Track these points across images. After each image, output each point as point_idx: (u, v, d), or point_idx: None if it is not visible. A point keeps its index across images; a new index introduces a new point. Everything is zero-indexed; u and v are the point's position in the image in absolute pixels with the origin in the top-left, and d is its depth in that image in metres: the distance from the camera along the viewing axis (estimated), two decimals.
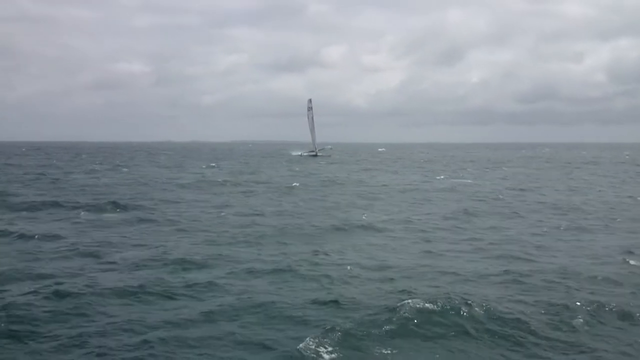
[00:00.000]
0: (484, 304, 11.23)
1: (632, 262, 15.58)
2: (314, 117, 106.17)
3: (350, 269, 14.82)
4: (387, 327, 10.26)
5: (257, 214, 25.31)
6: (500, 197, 33.46)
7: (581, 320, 10.84)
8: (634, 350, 9.73)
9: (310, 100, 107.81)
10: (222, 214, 25.47)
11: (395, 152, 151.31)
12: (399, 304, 11.11)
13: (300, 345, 9.39)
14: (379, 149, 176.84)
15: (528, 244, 18.52)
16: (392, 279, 13.88)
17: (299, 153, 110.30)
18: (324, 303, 11.82)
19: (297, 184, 40.60)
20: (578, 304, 11.62)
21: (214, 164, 74.75)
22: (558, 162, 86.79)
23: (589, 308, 11.42)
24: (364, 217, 24.61)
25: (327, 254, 16.80)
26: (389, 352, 9.51)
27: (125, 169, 60.16)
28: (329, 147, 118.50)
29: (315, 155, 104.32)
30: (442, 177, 51.16)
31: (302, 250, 17.41)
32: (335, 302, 11.87)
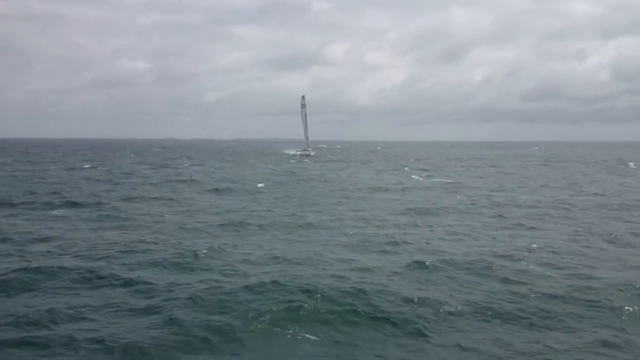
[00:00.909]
0: (341, 289, 12.85)
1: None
2: (307, 115, 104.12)
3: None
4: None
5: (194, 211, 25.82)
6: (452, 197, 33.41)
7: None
8: None
9: (303, 97, 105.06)
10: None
11: (388, 150, 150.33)
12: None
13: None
14: (378, 147, 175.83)
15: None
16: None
17: (292, 152, 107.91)
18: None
19: (263, 185, 40.14)
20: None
21: (197, 162, 74.98)
22: (535, 161, 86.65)
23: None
24: (308, 216, 24.52)
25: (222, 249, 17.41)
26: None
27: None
28: (323, 145, 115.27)
29: (309, 155, 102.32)
30: (417, 177, 50.85)
31: (195, 243, 18.40)
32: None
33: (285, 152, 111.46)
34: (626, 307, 12.31)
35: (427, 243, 18.97)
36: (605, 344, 10.54)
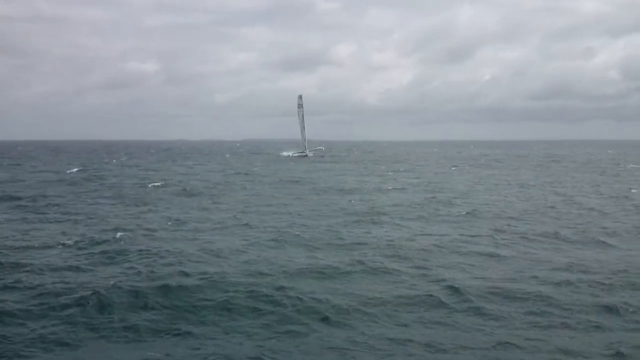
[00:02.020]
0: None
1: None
2: (305, 116, 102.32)
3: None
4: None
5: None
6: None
7: None
8: None
9: (300, 97, 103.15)
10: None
11: (389, 150, 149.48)
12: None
13: None
14: (375, 148, 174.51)
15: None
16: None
17: (289, 153, 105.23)
18: None
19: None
20: None
21: (189, 163, 76.44)
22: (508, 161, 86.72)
23: None
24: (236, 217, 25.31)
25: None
26: None
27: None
28: (321, 147, 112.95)
29: (305, 156, 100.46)
30: (396, 177, 51.63)
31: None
32: None
33: (283, 153, 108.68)
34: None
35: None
36: None
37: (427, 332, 11.53)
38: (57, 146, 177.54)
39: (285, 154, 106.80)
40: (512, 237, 21.21)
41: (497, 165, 73.57)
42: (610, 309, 12.84)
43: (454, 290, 13.98)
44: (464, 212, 27.13)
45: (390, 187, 40.89)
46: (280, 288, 13.81)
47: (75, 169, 58.81)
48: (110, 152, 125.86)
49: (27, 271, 15.18)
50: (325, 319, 12.03)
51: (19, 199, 31.47)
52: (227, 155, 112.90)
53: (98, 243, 18.93)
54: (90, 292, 13.10)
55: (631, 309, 12.84)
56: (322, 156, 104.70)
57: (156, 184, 40.97)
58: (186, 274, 14.88)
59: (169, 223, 23.40)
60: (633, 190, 38.12)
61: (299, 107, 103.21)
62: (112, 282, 13.99)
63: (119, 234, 20.10)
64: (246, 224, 23.16)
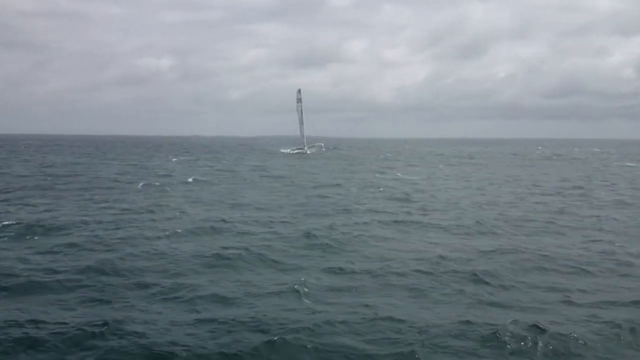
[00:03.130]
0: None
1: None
2: (303, 112, 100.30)
3: None
4: None
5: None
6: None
7: None
8: None
9: (299, 91, 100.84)
10: None
11: (381, 147, 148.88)
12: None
13: None
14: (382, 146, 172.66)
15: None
16: None
17: (287, 150, 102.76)
18: None
19: (192, 179, 40.87)
20: None
21: (174, 158, 76.02)
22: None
23: None
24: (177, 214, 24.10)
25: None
26: None
27: None
28: (321, 144, 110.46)
29: (305, 153, 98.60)
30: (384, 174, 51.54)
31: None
32: None
33: (282, 150, 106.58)
34: None
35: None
36: None
37: None
38: (82, 141, 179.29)
39: (283, 150, 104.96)
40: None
41: (469, 162, 75.97)
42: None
43: None
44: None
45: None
46: None
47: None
48: (147, 148, 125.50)
49: None
50: None
51: None
52: (226, 152, 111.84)
53: None
54: None
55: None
56: (322, 152, 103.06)
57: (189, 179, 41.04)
58: None
59: None
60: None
61: (297, 102, 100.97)
62: None
63: None
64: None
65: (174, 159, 72.76)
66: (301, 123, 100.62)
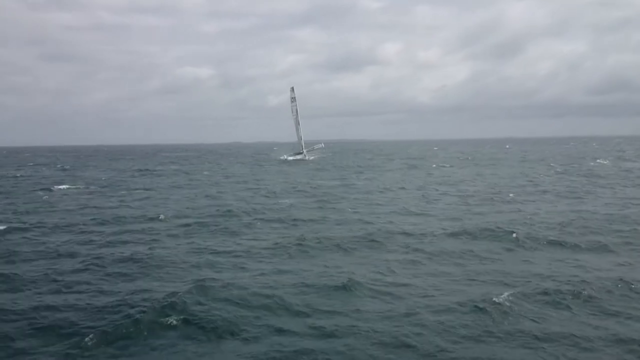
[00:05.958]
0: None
1: None
2: (299, 112, 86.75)
3: None
4: None
5: None
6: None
7: None
8: None
9: (292, 89, 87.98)
10: None
11: (385, 149, 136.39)
12: None
13: None
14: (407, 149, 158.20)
15: None
16: None
17: (284, 157, 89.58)
18: None
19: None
20: None
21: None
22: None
23: None
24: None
25: None
26: None
27: None
28: (321, 145, 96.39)
29: (305, 159, 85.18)
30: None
31: None
32: None
33: (279, 157, 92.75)
34: None
35: None
36: None
37: None
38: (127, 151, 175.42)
39: (281, 157, 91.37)
40: None
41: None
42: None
43: None
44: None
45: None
46: None
47: None
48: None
49: None
50: None
51: None
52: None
53: None
54: None
55: None
56: (324, 155, 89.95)
57: None
58: None
59: None
60: None
61: (291, 101, 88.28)
62: None
63: None
64: None
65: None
66: (297, 124, 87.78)
